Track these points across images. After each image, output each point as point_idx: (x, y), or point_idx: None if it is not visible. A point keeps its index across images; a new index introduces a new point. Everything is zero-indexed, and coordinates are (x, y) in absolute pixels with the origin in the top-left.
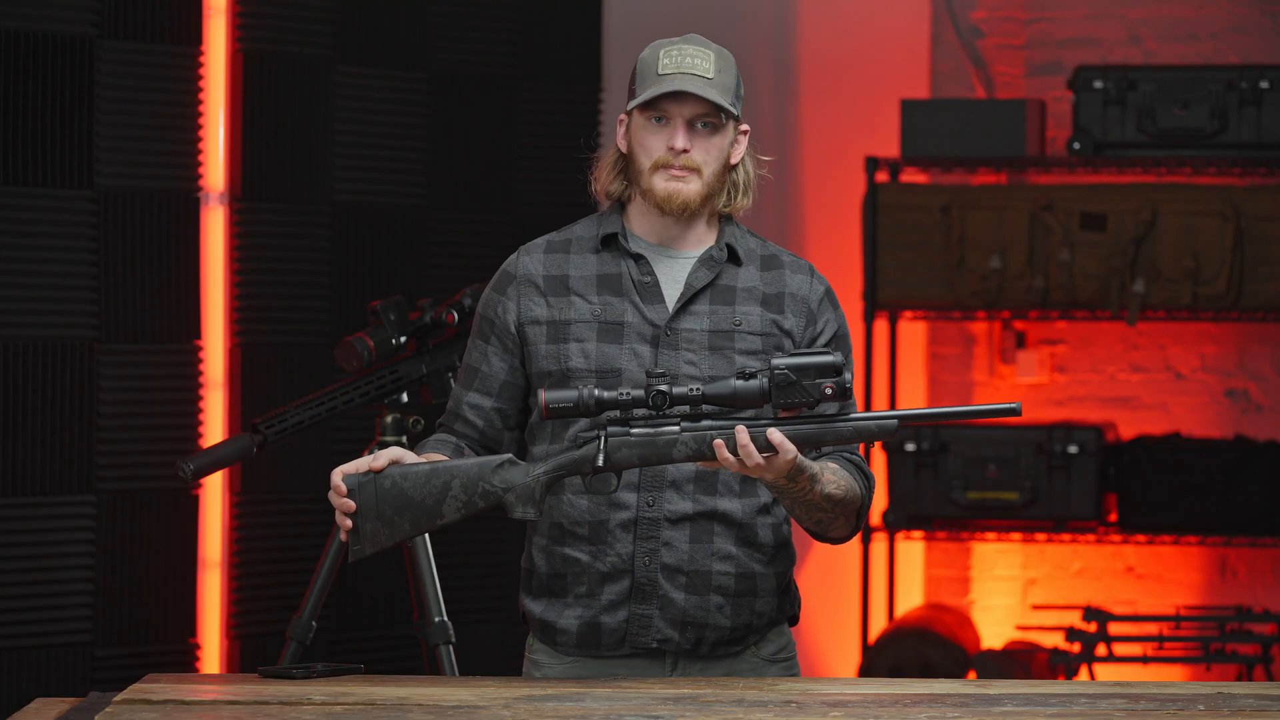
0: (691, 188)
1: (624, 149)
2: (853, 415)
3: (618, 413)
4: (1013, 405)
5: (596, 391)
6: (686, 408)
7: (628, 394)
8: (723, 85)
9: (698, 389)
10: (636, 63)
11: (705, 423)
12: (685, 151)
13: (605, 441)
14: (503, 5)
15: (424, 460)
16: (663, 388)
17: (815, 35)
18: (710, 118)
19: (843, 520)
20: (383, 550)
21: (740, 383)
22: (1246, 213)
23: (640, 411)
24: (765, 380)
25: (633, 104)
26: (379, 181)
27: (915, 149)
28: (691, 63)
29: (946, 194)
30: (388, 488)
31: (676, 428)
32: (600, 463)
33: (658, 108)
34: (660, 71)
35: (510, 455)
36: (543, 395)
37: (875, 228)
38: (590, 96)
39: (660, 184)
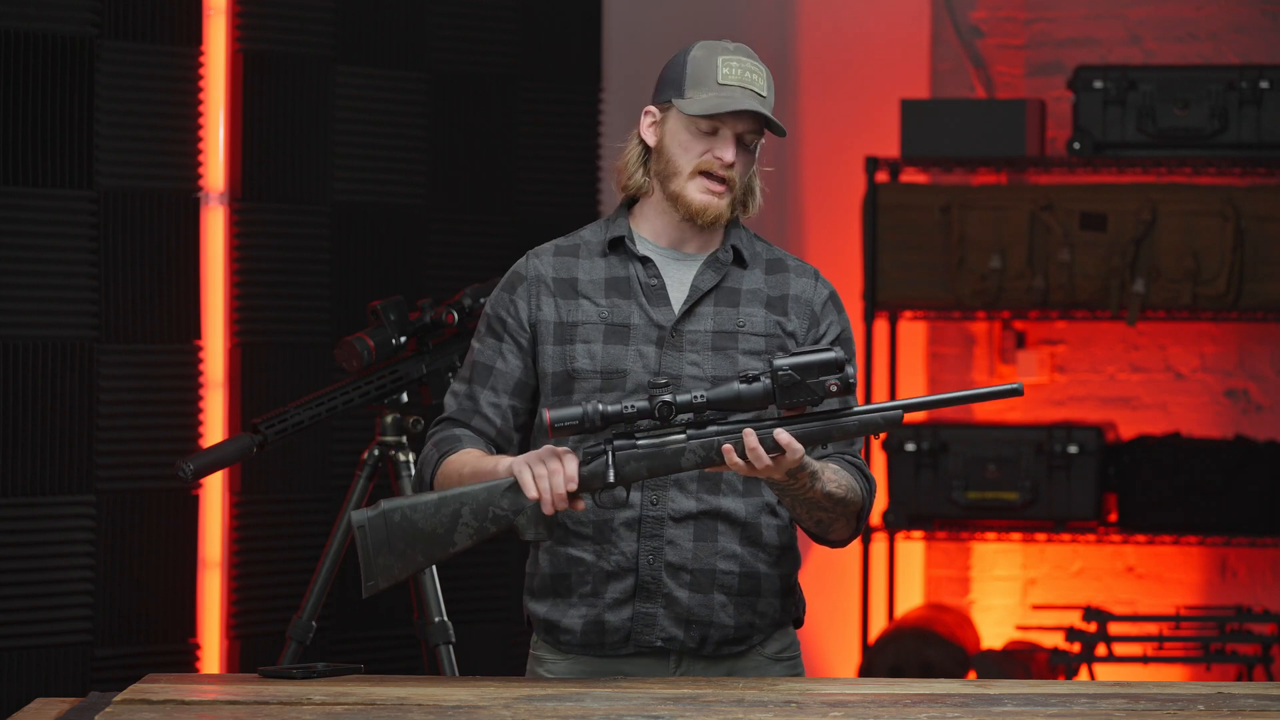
0: (724, 201)
1: (650, 143)
2: (856, 409)
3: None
4: (1014, 386)
5: (601, 406)
6: (691, 415)
7: (632, 407)
8: (771, 104)
9: (701, 396)
10: (686, 61)
11: (711, 429)
12: (731, 165)
13: (614, 456)
14: (503, 5)
15: (433, 491)
16: (667, 398)
17: (815, 35)
18: (756, 135)
19: (843, 521)
20: (396, 584)
21: (744, 386)
22: (1246, 213)
23: (645, 421)
24: (769, 382)
25: (695, 110)
26: (379, 181)
27: (915, 149)
28: (752, 78)
29: (946, 194)
30: (397, 521)
31: (683, 435)
32: (611, 478)
33: (714, 117)
34: (721, 81)
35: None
36: (547, 414)
37: (875, 228)
38: (590, 96)
39: (696, 194)
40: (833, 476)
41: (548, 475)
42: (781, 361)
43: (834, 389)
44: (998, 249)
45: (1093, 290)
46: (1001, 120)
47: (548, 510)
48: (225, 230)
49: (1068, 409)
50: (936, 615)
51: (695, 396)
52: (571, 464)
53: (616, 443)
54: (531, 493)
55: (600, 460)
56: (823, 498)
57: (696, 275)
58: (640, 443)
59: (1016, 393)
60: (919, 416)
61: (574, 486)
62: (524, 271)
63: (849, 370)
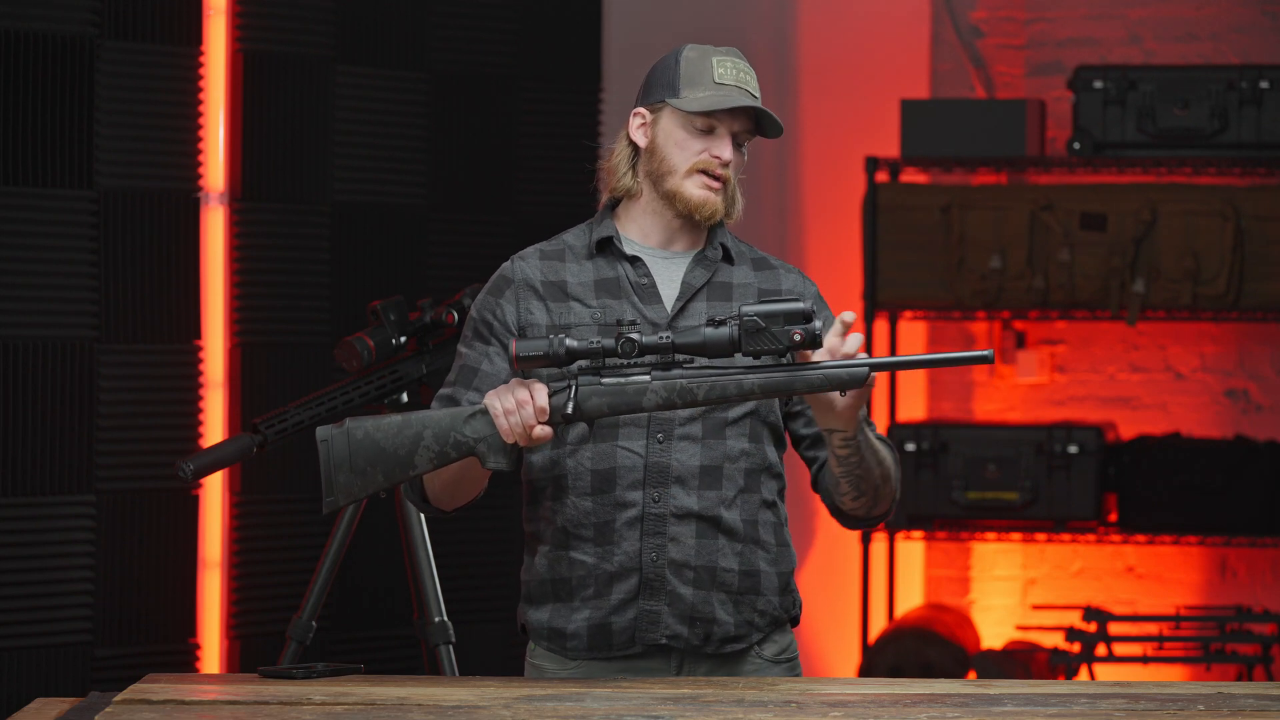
0: (721, 198)
1: (641, 144)
2: (823, 363)
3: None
4: (985, 353)
5: (567, 341)
6: (657, 356)
7: (598, 343)
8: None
9: (668, 337)
10: (679, 62)
11: (676, 372)
12: (727, 164)
13: (575, 390)
14: (503, 5)
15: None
16: (634, 336)
17: (815, 35)
18: (748, 135)
19: (888, 487)
20: (355, 501)
21: (710, 330)
22: (1246, 213)
23: (613, 361)
24: (735, 328)
25: (694, 107)
26: (379, 181)
27: (915, 149)
28: (745, 78)
29: (946, 194)
30: (360, 439)
31: (647, 377)
32: (569, 410)
33: (711, 115)
34: (718, 80)
35: (483, 406)
36: (513, 345)
37: (875, 228)
38: (590, 96)
39: (695, 190)
40: (872, 439)
41: (517, 408)
42: (748, 308)
43: (798, 338)
44: (998, 249)
45: (1093, 290)
46: (1001, 120)
47: (509, 440)
48: (225, 230)
49: (1068, 409)
50: (936, 615)
51: (662, 337)
52: (541, 395)
53: (581, 377)
54: (501, 423)
55: (563, 394)
56: (882, 448)
57: (687, 272)
58: (604, 380)
59: (987, 359)
60: (919, 416)
61: (545, 418)
62: (510, 275)
63: (816, 323)
